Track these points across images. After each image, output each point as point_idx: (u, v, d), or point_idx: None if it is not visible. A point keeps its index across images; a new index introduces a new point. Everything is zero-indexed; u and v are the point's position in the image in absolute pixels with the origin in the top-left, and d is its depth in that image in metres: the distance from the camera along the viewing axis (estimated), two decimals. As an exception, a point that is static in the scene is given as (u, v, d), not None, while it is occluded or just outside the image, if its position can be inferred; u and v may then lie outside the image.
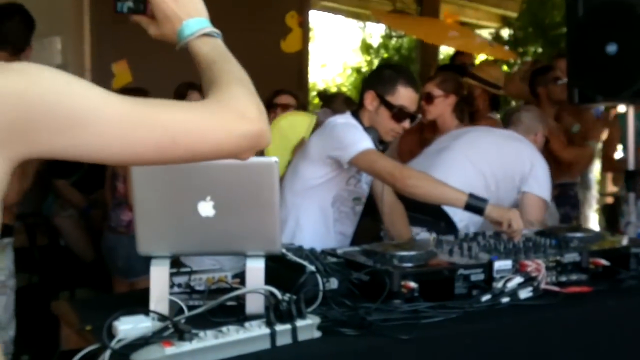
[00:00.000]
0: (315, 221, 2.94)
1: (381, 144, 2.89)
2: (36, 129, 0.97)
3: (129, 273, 3.82)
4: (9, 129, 0.95)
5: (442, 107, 3.86)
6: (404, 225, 3.11)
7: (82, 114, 0.99)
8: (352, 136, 2.78)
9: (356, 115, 2.93)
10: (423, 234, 3.09)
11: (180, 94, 3.97)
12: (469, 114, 4.13)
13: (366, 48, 14.59)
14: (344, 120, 2.91)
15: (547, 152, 4.09)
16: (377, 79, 2.94)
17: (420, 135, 4.22)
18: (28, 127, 0.96)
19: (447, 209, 3.11)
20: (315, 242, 2.58)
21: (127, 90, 3.96)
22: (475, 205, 2.61)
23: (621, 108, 4.57)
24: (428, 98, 3.80)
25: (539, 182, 3.40)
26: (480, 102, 4.48)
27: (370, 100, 2.88)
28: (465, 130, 3.67)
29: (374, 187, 3.09)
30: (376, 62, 13.72)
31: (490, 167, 3.35)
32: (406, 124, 2.88)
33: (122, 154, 1.05)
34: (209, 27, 1.31)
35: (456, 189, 2.69)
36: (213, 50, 1.28)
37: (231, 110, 1.12)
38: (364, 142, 2.75)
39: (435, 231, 3.02)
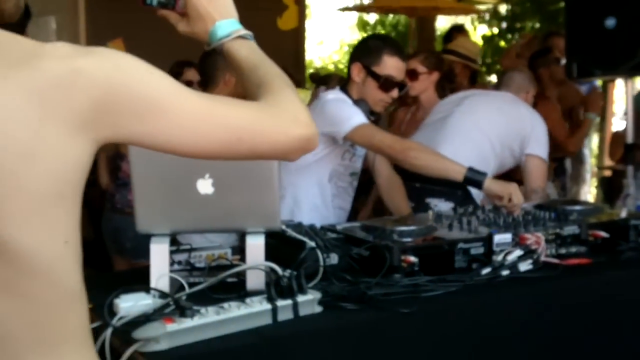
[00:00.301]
0: (313, 197, 2.94)
1: (372, 115, 2.89)
2: (120, 112, 0.99)
3: (137, 254, 3.82)
4: (95, 109, 0.97)
5: (426, 83, 3.95)
6: (402, 198, 3.11)
7: (162, 104, 1.03)
8: (345, 111, 2.78)
9: (345, 89, 2.93)
10: (441, 205, 3.10)
11: (175, 72, 3.95)
12: (449, 90, 4.15)
13: (363, 25, 14.51)
14: (334, 96, 2.91)
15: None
16: (363, 51, 2.92)
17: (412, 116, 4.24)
18: (112, 110, 0.99)
19: None
20: (314, 218, 2.59)
21: None
22: (474, 178, 2.62)
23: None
24: (412, 74, 3.84)
25: (540, 143, 3.46)
26: (462, 77, 4.52)
27: (357, 72, 2.87)
28: (464, 95, 3.68)
29: (369, 161, 3.09)
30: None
31: (495, 131, 3.38)
32: (394, 93, 2.87)
33: (191, 145, 1.08)
34: (242, 29, 1.34)
35: (456, 162, 2.70)
36: (252, 53, 1.32)
37: (288, 113, 1.17)
38: (358, 117, 2.76)
39: (453, 201, 3.06)
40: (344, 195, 3.01)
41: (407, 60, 3.60)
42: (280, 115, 1.16)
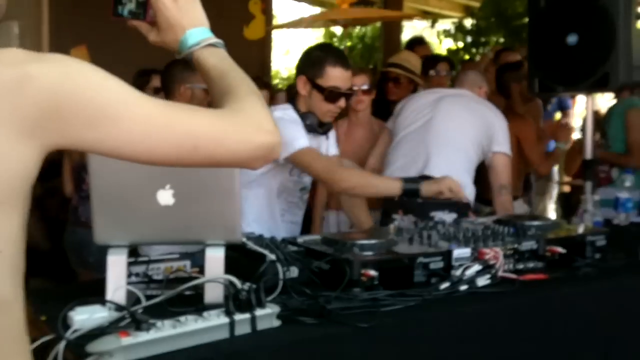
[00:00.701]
0: (260, 212, 2.93)
1: (321, 126, 2.90)
2: (67, 119, 0.99)
3: (100, 268, 3.76)
4: (43, 117, 0.97)
5: (369, 100, 4.05)
6: (363, 210, 3.12)
7: (113, 110, 1.03)
8: (287, 134, 2.69)
9: (295, 102, 2.93)
10: (445, 217, 3.05)
11: (141, 80, 3.92)
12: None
13: (330, 36, 14.56)
14: (280, 114, 2.88)
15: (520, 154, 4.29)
16: (306, 63, 2.91)
17: None
18: (60, 116, 0.99)
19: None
20: (258, 231, 2.59)
21: None
22: (411, 188, 2.74)
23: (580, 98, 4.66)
24: (366, 91, 3.95)
25: (505, 139, 3.57)
26: (406, 91, 4.58)
27: (303, 85, 2.87)
28: (436, 96, 3.73)
29: None
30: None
31: (472, 132, 3.51)
32: (341, 103, 2.87)
33: (145, 153, 1.08)
34: (212, 38, 1.35)
35: (390, 178, 2.81)
36: (222, 61, 1.32)
37: (251, 121, 1.17)
38: (298, 141, 2.77)
39: (456, 211, 3.01)
40: (294, 210, 3.02)
41: (359, 74, 3.69)
42: (242, 122, 1.16)
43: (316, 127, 2.87)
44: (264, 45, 6.63)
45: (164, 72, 3.52)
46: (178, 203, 1.84)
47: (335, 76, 2.81)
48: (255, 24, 6.28)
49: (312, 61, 2.87)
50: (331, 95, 2.82)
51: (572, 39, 3.39)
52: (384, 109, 4.28)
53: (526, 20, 4.55)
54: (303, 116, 2.87)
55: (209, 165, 1.16)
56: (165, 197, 1.83)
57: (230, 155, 1.14)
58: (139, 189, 1.84)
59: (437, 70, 4.87)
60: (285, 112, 2.90)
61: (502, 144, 3.53)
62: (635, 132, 4.56)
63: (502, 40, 10.26)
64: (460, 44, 11.76)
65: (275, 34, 7.70)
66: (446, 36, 11.70)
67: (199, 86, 3.51)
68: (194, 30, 1.34)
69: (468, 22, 11.48)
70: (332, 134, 3.14)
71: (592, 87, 3.40)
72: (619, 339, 2.30)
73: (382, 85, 4.64)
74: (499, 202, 3.53)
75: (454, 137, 3.47)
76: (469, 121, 3.53)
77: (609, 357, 2.27)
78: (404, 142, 3.55)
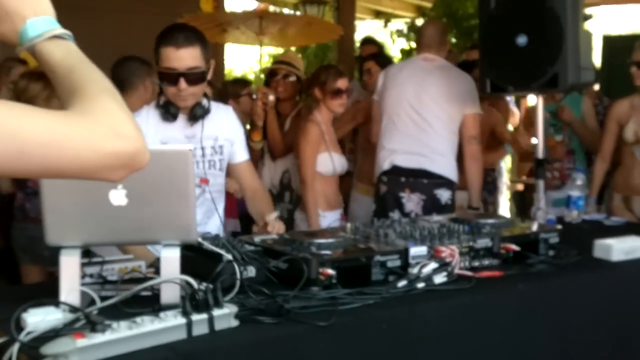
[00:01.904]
0: None
1: (190, 112, 2.76)
2: None
3: (55, 262, 3.68)
4: None
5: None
6: (266, 205, 2.96)
7: None
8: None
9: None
10: (445, 193, 4.05)
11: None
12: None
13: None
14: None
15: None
16: (154, 49, 2.73)
17: None
18: None
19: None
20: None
21: None
22: None
23: (531, 98, 4.73)
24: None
25: (473, 99, 4.13)
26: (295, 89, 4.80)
27: (155, 72, 2.77)
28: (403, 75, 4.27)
29: (234, 172, 3.02)
30: (293, 49, 13.70)
31: (447, 104, 4.09)
32: (182, 84, 2.63)
33: None
34: (59, 28, 1.17)
35: None
36: (69, 55, 1.15)
37: (102, 124, 1.02)
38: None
39: (450, 189, 4.07)
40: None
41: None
42: (90, 126, 1.01)
43: (176, 114, 2.73)
44: (217, 46, 6.58)
45: (119, 66, 3.44)
46: (131, 203, 1.80)
47: (164, 56, 2.63)
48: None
49: (155, 46, 2.70)
50: (165, 76, 2.66)
51: (522, 40, 3.44)
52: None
53: (477, 21, 4.59)
54: (164, 106, 2.75)
55: (51, 175, 1.02)
56: (118, 197, 1.80)
57: (74, 164, 0.99)
58: (90, 188, 1.79)
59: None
60: (148, 109, 2.82)
61: (473, 106, 4.13)
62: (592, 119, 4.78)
63: (453, 40, 10.37)
64: (413, 44, 11.87)
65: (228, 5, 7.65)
66: (399, 36, 11.78)
67: (157, 81, 3.46)
68: (36, 20, 1.16)
69: (420, 22, 11.58)
70: (236, 136, 2.93)
71: (543, 87, 3.46)
72: (574, 333, 2.34)
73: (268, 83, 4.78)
74: (469, 151, 4.12)
75: (440, 118, 4.10)
76: (444, 94, 4.09)
77: (564, 351, 2.31)
78: (396, 137, 4.13)
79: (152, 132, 2.72)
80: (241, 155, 2.95)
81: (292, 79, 4.70)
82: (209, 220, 2.84)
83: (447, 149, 4.11)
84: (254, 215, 2.97)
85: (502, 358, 2.16)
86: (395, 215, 4.02)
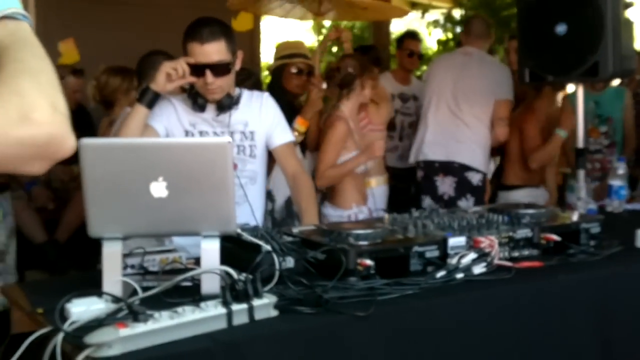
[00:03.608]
0: None
1: (219, 102, 2.80)
2: None
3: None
4: None
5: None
6: (305, 195, 2.94)
7: None
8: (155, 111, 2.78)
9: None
10: (475, 176, 4.41)
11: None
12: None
13: (318, 27, 14.51)
14: (165, 99, 2.85)
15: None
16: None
17: None
18: None
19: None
20: None
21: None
22: None
23: (570, 87, 4.66)
24: None
25: (506, 87, 4.45)
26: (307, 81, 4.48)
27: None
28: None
29: (275, 158, 3.02)
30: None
31: (488, 91, 4.45)
32: (208, 77, 2.69)
33: None
34: (13, 8, 1.04)
35: None
36: (10, 35, 1.02)
37: (8, 108, 0.89)
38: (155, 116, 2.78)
39: (482, 173, 4.45)
40: None
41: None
42: None
43: (204, 105, 2.80)
44: (252, 36, 6.61)
45: (142, 59, 3.59)
46: (171, 195, 1.82)
47: (191, 51, 2.69)
48: (243, 15, 6.23)
49: (183, 40, 2.74)
50: (194, 70, 2.69)
51: (561, 28, 3.39)
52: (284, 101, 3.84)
53: (514, 10, 4.54)
54: (190, 96, 2.82)
55: None
56: (159, 189, 1.82)
57: None
58: (131, 181, 1.83)
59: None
60: (182, 96, 2.88)
61: (507, 92, 4.46)
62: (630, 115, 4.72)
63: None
64: (450, 35, 11.77)
65: (263, 25, 7.68)
66: (435, 27, 11.70)
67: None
68: None
69: (457, 13, 11.48)
70: (270, 121, 2.94)
71: (583, 76, 3.41)
72: (616, 325, 2.31)
73: (280, 78, 4.35)
74: (497, 133, 4.44)
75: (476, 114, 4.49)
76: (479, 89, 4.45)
77: (606, 343, 2.28)
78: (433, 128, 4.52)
79: (180, 117, 2.81)
80: (279, 138, 2.94)
81: (307, 72, 4.31)
82: (239, 207, 2.77)
83: (479, 142, 4.48)
84: (295, 205, 3.00)
85: (541, 349, 2.14)
86: (427, 199, 4.50)
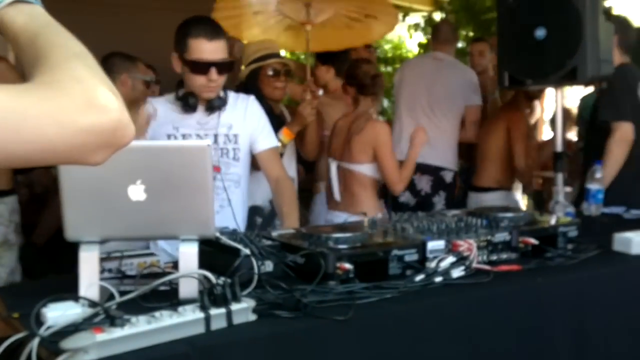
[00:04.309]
0: None
1: (209, 102, 2.77)
2: None
3: None
4: None
5: None
6: (287, 199, 2.92)
7: None
8: None
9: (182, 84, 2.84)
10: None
11: None
12: None
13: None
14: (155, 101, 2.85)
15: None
16: (175, 40, 2.75)
17: None
18: None
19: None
20: None
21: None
22: None
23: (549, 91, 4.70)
24: None
25: (474, 92, 4.89)
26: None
27: (176, 62, 2.76)
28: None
29: (258, 162, 2.97)
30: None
31: (458, 96, 4.88)
32: (213, 74, 2.68)
33: None
34: None
35: None
36: (33, 20, 0.97)
37: (72, 95, 0.85)
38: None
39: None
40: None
41: None
42: (56, 98, 0.84)
43: (194, 105, 2.76)
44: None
45: (102, 61, 3.55)
46: (150, 198, 1.81)
47: (198, 48, 2.65)
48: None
49: (178, 37, 2.72)
50: (197, 67, 2.67)
51: (540, 32, 3.42)
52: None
53: (495, 14, 4.57)
54: (183, 98, 2.76)
55: (18, 161, 0.85)
56: (137, 192, 1.81)
57: (37, 145, 0.82)
58: (109, 184, 1.82)
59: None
60: (165, 97, 2.86)
61: (475, 98, 4.94)
62: None
63: (471, 34, 10.30)
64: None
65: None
66: (416, 30, 11.72)
67: (140, 77, 3.54)
68: None
69: (438, 16, 11.52)
70: (255, 125, 2.91)
71: (561, 80, 3.43)
72: (592, 328, 2.33)
73: (256, 83, 3.84)
74: (469, 134, 4.93)
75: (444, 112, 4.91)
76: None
77: (583, 346, 2.30)
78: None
79: (164, 121, 2.76)
80: (263, 143, 2.92)
81: (285, 72, 3.91)
82: (222, 209, 2.79)
83: (450, 144, 4.89)
84: (276, 210, 2.98)
85: (519, 352, 2.15)
86: (406, 193, 4.70)
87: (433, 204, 4.76)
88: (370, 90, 3.77)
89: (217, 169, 2.79)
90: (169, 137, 2.76)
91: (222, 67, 2.70)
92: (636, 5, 8.37)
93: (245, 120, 2.89)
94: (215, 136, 2.80)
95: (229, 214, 2.78)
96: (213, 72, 2.67)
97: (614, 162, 3.70)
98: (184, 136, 2.78)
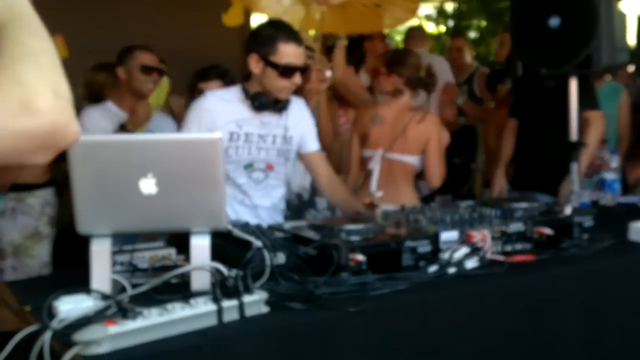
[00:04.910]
0: None
1: (277, 103, 2.85)
2: None
3: None
4: None
5: None
6: (345, 192, 3.08)
7: None
8: (186, 119, 2.87)
9: (247, 82, 2.89)
10: None
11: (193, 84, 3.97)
12: None
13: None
14: (197, 101, 2.90)
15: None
16: (257, 41, 2.82)
17: None
18: None
19: None
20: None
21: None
22: None
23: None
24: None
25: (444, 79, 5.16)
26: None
27: (255, 63, 2.80)
28: None
29: (304, 162, 3.09)
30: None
31: None
32: (297, 79, 2.80)
33: None
34: None
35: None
36: (7, 10, 0.95)
37: (7, 99, 0.84)
38: (186, 126, 2.84)
39: None
40: (250, 191, 2.90)
41: None
42: None
43: (267, 105, 2.83)
44: (243, 32, 6.56)
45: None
46: (161, 191, 1.81)
47: (288, 53, 2.75)
48: (234, 10, 6.18)
49: (264, 39, 2.79)
50: (286, 71, 2.76)
51: (554, 21, 3.38)
52: None
53: (507, 3, 4.53)
54: (252, 97, 2.82)
55: None
56: (148, 185, 1.80)
57: None
58: (120, 178, 1.81)
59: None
60: (229, 92, 2.91)
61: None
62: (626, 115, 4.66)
63: (484, 23, 10.26)
64: (442, 28, 11.75)
65: (254, 20, 7.64)
66: (428, 20, 11.68)
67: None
68: None
69: (450, 7, 11.46)
70: (307, 127, 3.02)
71: (576, 68, 3.40)
72: (607, 318, 2.31)
73: None
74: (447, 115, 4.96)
75: None
76: None
77: (597, 336, 2.28)
78: None
79: (227, 118, 2.82)
80: (312, 144, 3.04)
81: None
82: (273, 206, 2.98)
83: None
84: (336, 203, 3.13)
85: (533, 342, 2.13)
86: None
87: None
88: (430, 88, 3.78)
89: (270, 167, 2.92)
90: (231, 135, 2.82)
91: (303, 71, 2.86)
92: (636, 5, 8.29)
93: (299, 123, 2.98)
94: (274, 137, 2.90)
95: (278, 211, 2.99)
96: (297, 76, 2.79)
97: None
98: (247, 135, 2.84)
